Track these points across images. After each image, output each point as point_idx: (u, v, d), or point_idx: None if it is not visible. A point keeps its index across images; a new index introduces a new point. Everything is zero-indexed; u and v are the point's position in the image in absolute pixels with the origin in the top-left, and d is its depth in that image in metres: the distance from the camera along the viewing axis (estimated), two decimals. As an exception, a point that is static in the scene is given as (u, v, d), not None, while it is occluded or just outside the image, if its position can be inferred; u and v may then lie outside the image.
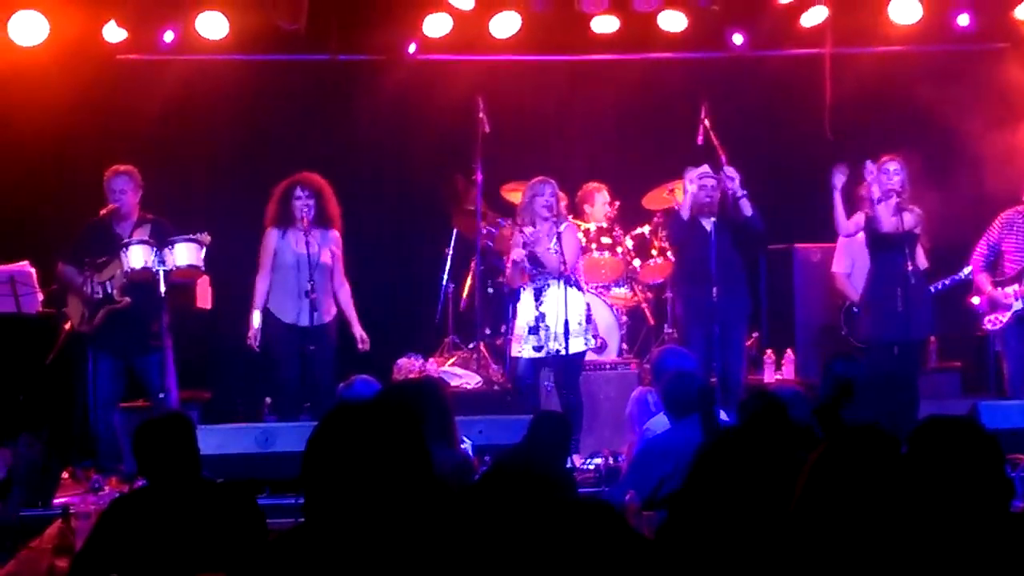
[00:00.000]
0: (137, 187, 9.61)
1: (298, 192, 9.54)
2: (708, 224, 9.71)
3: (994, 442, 3.46)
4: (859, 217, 9.59)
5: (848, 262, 10.66)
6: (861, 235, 9.88)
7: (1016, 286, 9.81)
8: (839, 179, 9.46)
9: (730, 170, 9.77)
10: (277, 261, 9.60)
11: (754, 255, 10.99)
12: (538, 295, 9.71)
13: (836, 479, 3.24)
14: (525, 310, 9.75)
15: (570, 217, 10.98)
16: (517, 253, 9.71)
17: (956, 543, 3.28)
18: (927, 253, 10.06)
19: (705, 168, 9.89)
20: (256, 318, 9.53)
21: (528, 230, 9.69)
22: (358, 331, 9.74)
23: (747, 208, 9.72)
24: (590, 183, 11.49)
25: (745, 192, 9.73)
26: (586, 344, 9.78)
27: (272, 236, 9.63)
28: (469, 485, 5.62)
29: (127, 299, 9.42)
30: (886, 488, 3.21)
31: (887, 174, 9.44)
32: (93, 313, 9.43)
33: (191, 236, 9.39)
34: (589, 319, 9.84)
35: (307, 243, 9.42)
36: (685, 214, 9.83)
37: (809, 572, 3.18)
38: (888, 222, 9.35)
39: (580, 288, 9.88)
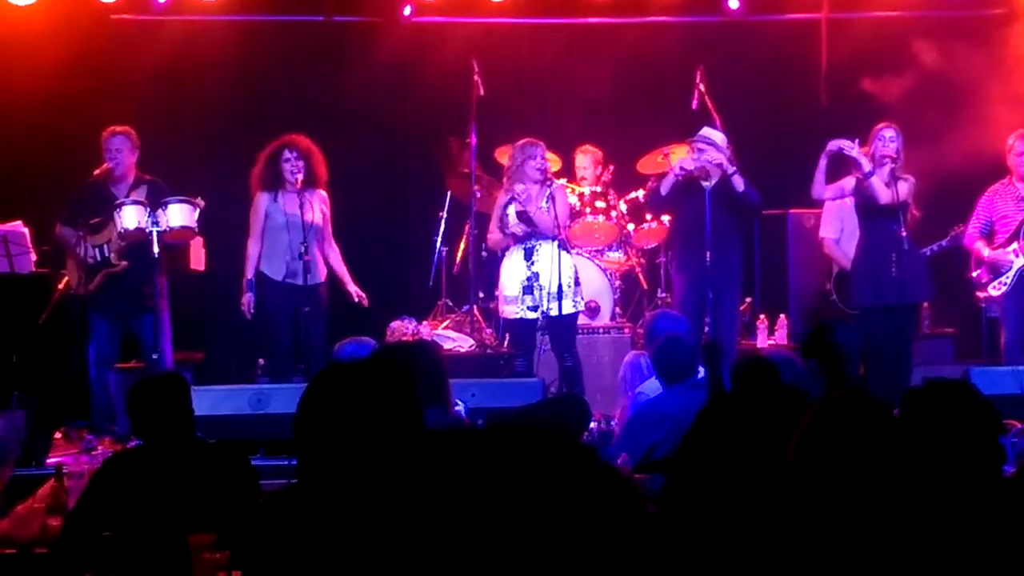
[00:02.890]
0: (134, 148, 9.59)
1: (287, 154, 9.51)
2: (705, 188, 9.67)
3: (989, 406, 3.47)
4: (846, 183, 9.57)
5: (837, 227, 10.62)
6: (849, 200, 9.87)
7: (1015, 244, 9.81)
8: (835, 147, 9.40)
9: (714, 155, 9.69)
10: (268, 224, 9.57)
11: (749, 221, 11.00)
12: (529, 255, 9.65)
13: (826, 442, 3.25)
14: (515, 270, 9.68)
15: (564, 180, 10.99)
16: (511, 218, 9.66)
17: (947, 507, 3.30)
18: (915, 222, 10.01)
19: (705, 130, 9.85)
20: (250, 286, 9.53)
21: (519, 187, 9.64)
22: (352, 288, 9.74)
23: (739, 184, 9.67)
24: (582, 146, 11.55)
25: (735, 169, 9.68)
26: (575, 306, 9.75)
27: (262, 200, 9.59)
28: (464, 439, 5.64)
29: (124, 263, 9.42)
30: (877, 450, 3.22)
31: (883, 140, 9.42)
32: (90, 277, 9.42)
33: (185, 197, 9.38)
34: (577, 281, 9.81)
35: (300, 205, 9.41)
36: (664, 189, 9.80)
37: (801, 535, 3.20)
38: (884, 193, 9.32)
39: (568, 250, 9.86)
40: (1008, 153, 9.90)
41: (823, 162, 9.45)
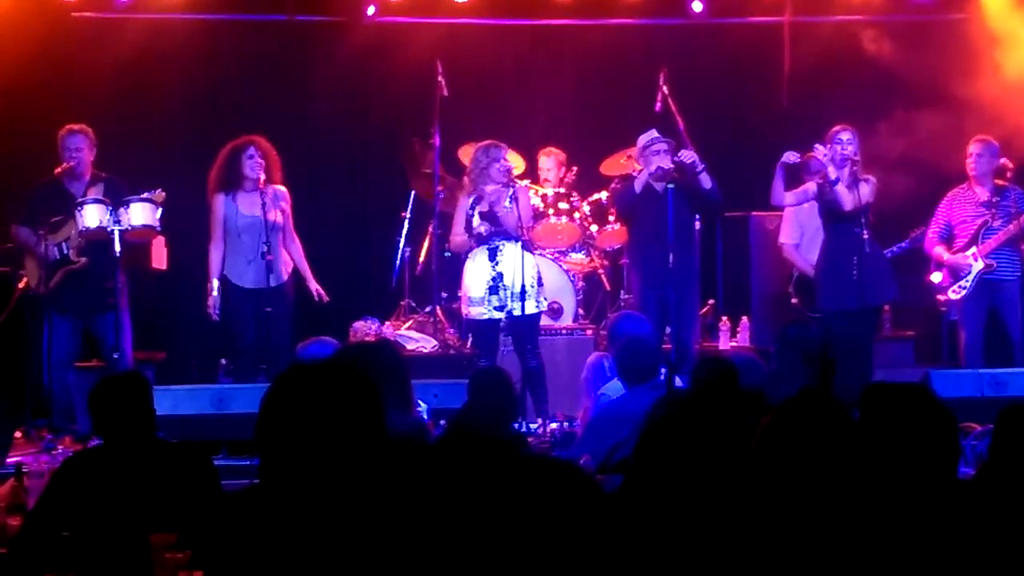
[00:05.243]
0: (92, 145, 9.57)
1: (251, 151, 9.49)
2: (663, 189, 9.70)
3: (943, 408, 3.48)
4: (808, 187, 9.61)
5: (797, 233, 10.67)
6: (809, 205, 9.90)
7: (974, 248, 9.90)
8: (790, 159, 9.44)
9: (686, 153, 9.73)
10: (228, 227, 9.55)
11: (710, 222, 11.05)
12: (493, 255, 9.64)
13: (786, 445, 3.26)
14: (480, 271, 9.65)
15: (527, 181, 10.99)
16: (476, 220, 9.64)
17: (902, 509, 3.31)
18: (870, 226, 10.10)
19: (653, 134, 9.87)
20: (214, 287, 9.51)
21: (489, 188, 9.62)
22: (313, 286, 9.73)
23: (706, 181, 9.72)
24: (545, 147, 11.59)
25: (704, 166, 9.72)
26: (538, 306, 9.75)
27: (220, 202, 9.56)
28: (424, 447, 5.62)
29: (84, 259, 9.39)
30: (836, 454, 3.24)
31: (840, 144, 9.46)
32: (50, 274, 9.38)
33: (146, 196, 9.35)
34: (540, 282, 9.82)
35: (263, 204, 9.40)
36: (638, 187, 9.82)
37: (760, 536, 3.21)
38: (848, 199, 9.36)
39: (531, 251, 9.86)
40: (967, 157, 9.99)
41: (779, 171, 9.47)
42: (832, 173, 9.36)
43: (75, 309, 9.50)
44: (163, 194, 9.38)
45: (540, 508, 2.84)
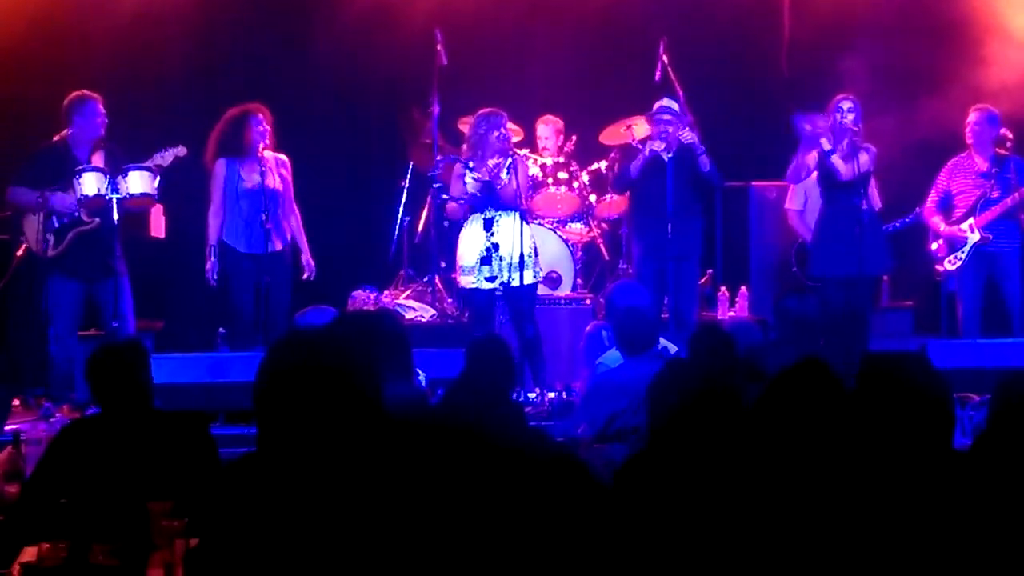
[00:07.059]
0: None
1: (261, 119, 9.46)
2: (665, 160, 9.68)
3: (938, 376, 3.48)
4: (810, 159, 9.59)
5: (801, 199, 10.67)
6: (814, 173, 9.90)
7: (971, 219, 9.89)
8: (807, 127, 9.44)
9: (686, 134, 9.70)
10: (228, 193, 9.52)
11: (709, 194, 11.03)
12: (489, 225, 9.55)
13: (782, 414, 3.26)
14: (474, 240, 9.55)
15: (526, 151, 10.97)
16: (471, 185, 9.58)
17: (898, 477, 3.31)
18: (880, 193, 10.13)
19: (662, 104, 9.84)
20: (213, 253, 9.49)
21: (491, 162, 9.58)
22: (306, 258, 9.69)
23: (705, 164, 9.69)
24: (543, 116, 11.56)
25: (704, 149, 9.69)
26: (535, 276, 9.70)
27: (222, 168, 9.53)
28: (421, 418, 5.62)
29: (96, 220, 9.31)
30: (832, 422, 3.24)
31: (841, 112, 9.44)
32: (59, 237, 9.31)
33: (170, 151, 9.32)
34: (536, 251, 9.78)
35: (262, 172, 9.38)
36: (635, 172, 9.77)
37: (755, 505, 3.21)
38: (844, 169, 9.35)
39: (528, 221, 9.82)
40: (966, 126, 9.98)
41: (803, 151, 9.51)
42: (826, 145, 9.35)
43: (81, 272, 9.41)
44: (184, 149, 9.37)
45: (535, 489, 2.84)
